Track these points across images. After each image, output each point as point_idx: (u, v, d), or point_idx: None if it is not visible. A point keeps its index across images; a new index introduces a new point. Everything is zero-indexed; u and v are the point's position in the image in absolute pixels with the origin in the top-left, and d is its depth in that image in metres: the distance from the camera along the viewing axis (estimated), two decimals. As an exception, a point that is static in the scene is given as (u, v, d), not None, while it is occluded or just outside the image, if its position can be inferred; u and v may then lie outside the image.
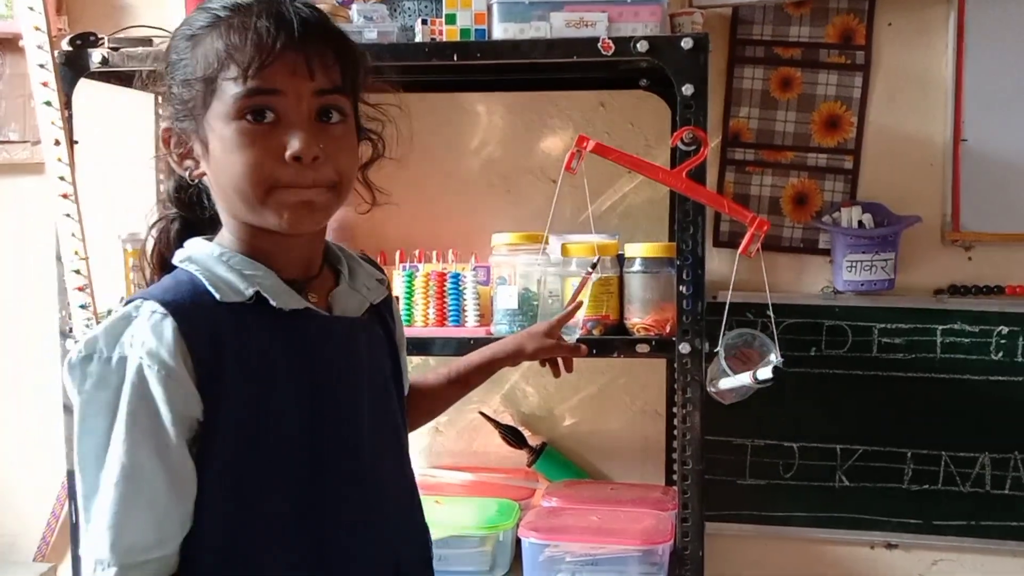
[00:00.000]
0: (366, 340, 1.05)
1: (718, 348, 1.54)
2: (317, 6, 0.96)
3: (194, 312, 0.90)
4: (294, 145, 0.90)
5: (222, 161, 0.92)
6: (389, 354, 1.10)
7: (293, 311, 0.96)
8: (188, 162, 0.97)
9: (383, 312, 1.09)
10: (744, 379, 1.46)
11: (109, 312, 1.65)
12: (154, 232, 1.03)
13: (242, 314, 0.93)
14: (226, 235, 0.98)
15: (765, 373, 1.44)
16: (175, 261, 0.97)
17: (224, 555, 0.92)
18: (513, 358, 1.35)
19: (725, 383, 1.51)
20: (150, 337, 0.88)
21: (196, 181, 0.98)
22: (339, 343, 1.01)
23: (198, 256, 0.95)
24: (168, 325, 0.88)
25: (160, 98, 1.94)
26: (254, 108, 0.90)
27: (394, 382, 1.11)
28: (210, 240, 0.98)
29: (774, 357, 1.49)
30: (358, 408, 1.01)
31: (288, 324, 0.95)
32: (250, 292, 0.93)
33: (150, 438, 0.87)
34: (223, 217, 0.98)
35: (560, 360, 1.40)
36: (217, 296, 0.92)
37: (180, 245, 0.99)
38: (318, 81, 0.91)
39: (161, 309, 0.89)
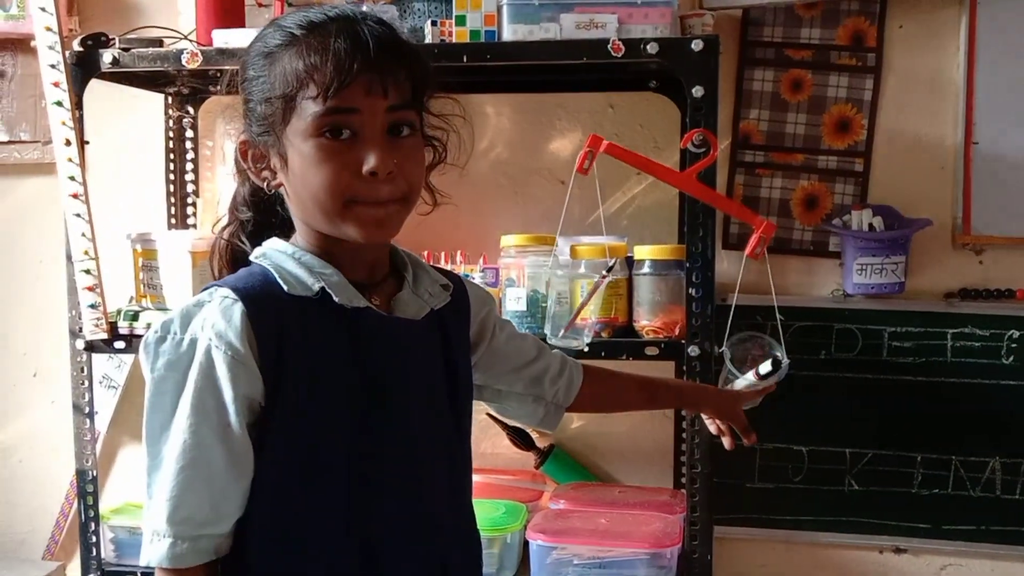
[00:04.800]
0: (421, 343, 1.06)
1: (722, 348, 1.53)
2: (387, 21, 0.99)
3: (262, 300, 0.95)
4: (371, 161, 0.94)
5: (302, 175, 0.96)
6: (444, 359, 1.09)
7: (355, 309, 0.99)
8: (266, 173, 1.01)
9: (447, 317, 1.09)
10: (749, 377, 1.46)
11: (119, 312, 1.66)
12: (225, 234, 1.07)
13: (307, 307, 0.97)
14: (300, 238, 1.02)
15: (765, 367, 1.44)
16: (251, 257, 1.02)
17: (270, 542, 0.95)
18: (694, 405, 1.43)
19: (734, 385, 1.50)
20: (220, 320, 0.93)
21: (272, 190, 1.02)
22: (394, 343, 1.03)
23: (272, 252, 1.01)
24: (237, 309, 0.93)
25: (170, 99, 1.96)
26: (332, 126, 0.94)
27: (448, 386, 1.09)
28: (285, 240, 1.03)
29: (778, 354, 1.49)
30: (408, 407, 1.03)
31: (349, 321, 0.99)
32: (316, 287, 0.97)
33: (213, 417, 0.92)
34: (297, 224, 1.02)
35: (728, 432, 1.40)
36: (285, 288, 0.97)
37: (256, 244, 1.04)
38: (391, 98, 0.95)
39: (232, 295, 0.94)
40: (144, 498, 0.95)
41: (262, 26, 1.04)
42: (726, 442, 1.39)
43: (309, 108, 0.94)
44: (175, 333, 0.94)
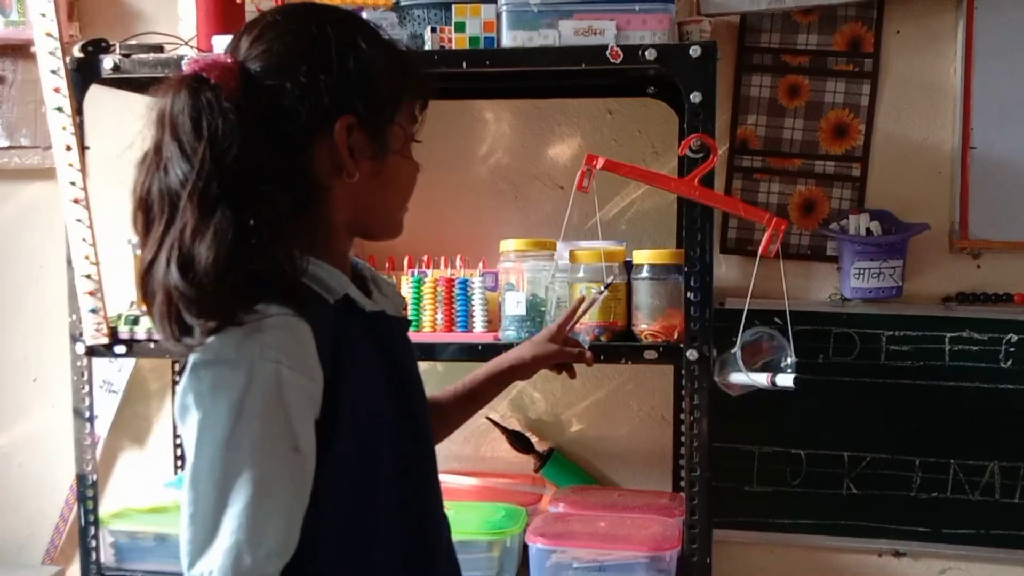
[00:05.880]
0: (410, 344, 1.10)
1: (736, 348, 1.53)
2: None
3: (319, 314, 0.92)
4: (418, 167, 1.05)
5: (400, 172, 1.01)
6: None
7: (373, 313, 1.00)
8: (357, 165, 0.96)
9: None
10: (760, 379, 1.46)
11: (120, 317, 1.67)
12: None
13: (338, 315, 0.95)
14: (315, 246, 0.97)
15: (785, 380, 1.43)
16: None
17: (341, 547, 0.94)
18: (518, 369, 1.36)
19: (736, 377, 1.50)
20: (288, 340, 0.88)
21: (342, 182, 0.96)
22: (405, 345, 1.07)
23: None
24: (304, 327, 0.89)
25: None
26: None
27: None
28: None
29: (790, 359, 1.49)
30: (424, 406, 1.08)
31: (371, 326, 0.99)
32: (341, 293, 0.96)
33: (282, 443, 0.87)
34: (333, 226, 0.98)
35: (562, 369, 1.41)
36: (329, 299, 0.95)
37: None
38: None
39: (292, 312, 0.89)
40: (189, 538, 0.86)
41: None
42: (568, 374, 1.41)
43: (409, 111, 1.01)
44: (229, 357, 0.86)
